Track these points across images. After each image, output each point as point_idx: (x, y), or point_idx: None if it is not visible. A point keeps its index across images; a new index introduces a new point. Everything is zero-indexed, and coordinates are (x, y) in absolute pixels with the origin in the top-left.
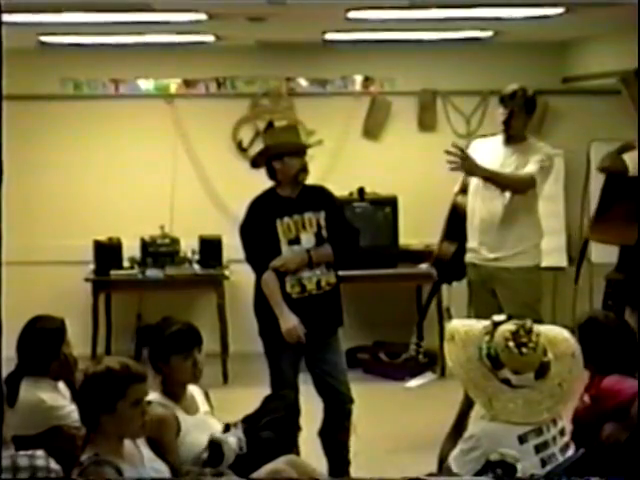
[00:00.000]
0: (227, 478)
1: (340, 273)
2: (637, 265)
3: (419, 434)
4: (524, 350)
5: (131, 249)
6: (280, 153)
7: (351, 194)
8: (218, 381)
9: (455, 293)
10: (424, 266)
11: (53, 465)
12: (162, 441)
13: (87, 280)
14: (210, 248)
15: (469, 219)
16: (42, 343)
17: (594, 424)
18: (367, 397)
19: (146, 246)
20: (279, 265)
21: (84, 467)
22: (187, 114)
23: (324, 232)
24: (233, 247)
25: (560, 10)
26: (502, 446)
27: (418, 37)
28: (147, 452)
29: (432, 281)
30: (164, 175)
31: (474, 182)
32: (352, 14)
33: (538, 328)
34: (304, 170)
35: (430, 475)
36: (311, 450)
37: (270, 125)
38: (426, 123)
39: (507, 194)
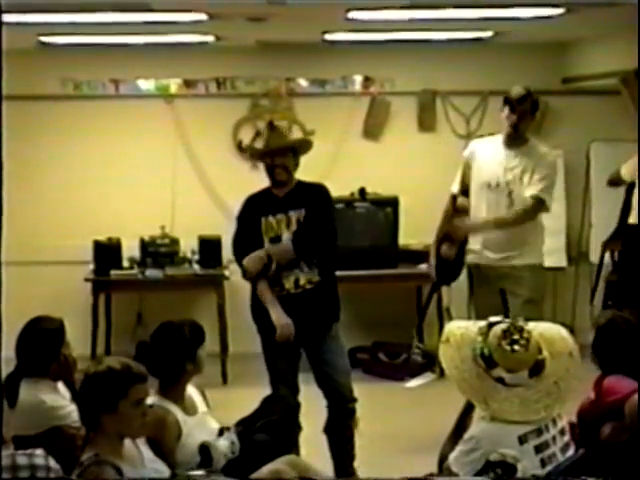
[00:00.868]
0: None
1: (340, 273)
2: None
3: (419, 434)
4: (516, 347)
5: (131, 249)
6: (253, 155)
7: (352, 194)
8: (217, 381)
9: (455, 293)
10: (424, 266)
11: (52, 464)
12: (163, 443)
13: (87, 280)
14: (210, 248)
15: (472, 220)
16: (42, 344)
17: (596, 421)
18: (367, 397)
19: (146, 246)
20: (245, 267)
21: (84, 467)
22: (187, 114)
23: (304, 230)
24: None
25: (560, 10)
26: (502, 447)
27: (418, 37)
28: (147, 452)
29: (430, 282)
30: (164, 175)
31: (477, 184)
32: (352, 14)
33: (535, 326)
34: (283, 168)
35: (430, 475)
36: (314, 449)
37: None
38: (426, 123)
39: (512, 196)
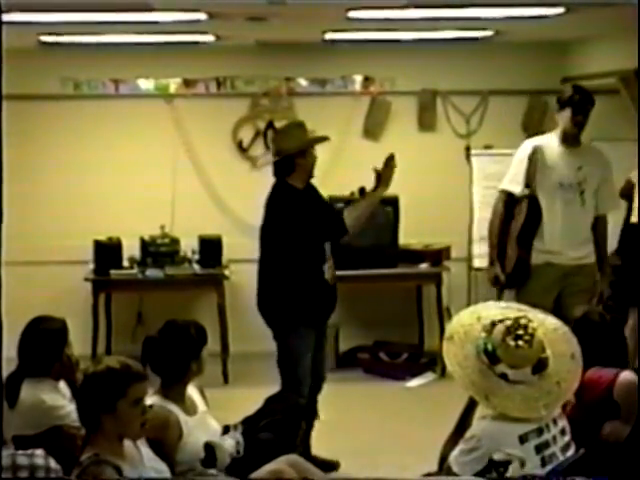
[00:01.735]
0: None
1: (340, 273)
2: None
3: (419, 434)
4: (520, 343)
5: (131, 249)
6: (303, 150)
7: (352, 194)
8: (218, 381)
9: (455, 293)
10: (424, 266)
11: (52, 464)
12: (164, 443)
13: (87, 280)
14: (210, 248)
15: (546, 221)
16: (44, 344)
17: (586, 421)
18: (367, 397)
19: (146, 246)
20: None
21: (84, 467)
22: (187, 114)
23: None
24: (233, 247)
25: (560, 10)
26: (503, 446)
27: (418, 37)
28: (147, 452)
29: (497, 286)
30: (164, 175)
31: (548, 184)
32: (352, 14)
33: (540, 324)
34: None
35: (429, 475)
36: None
37: (271, 125)
38: (426, 123)
39: (584, 196)
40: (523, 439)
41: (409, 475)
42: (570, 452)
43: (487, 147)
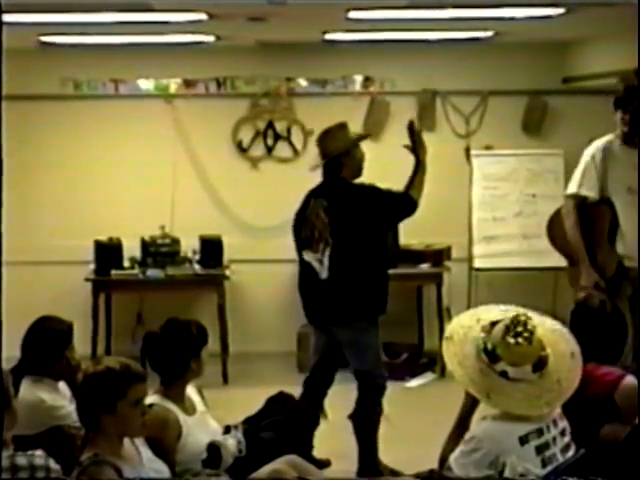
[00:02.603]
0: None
1: None
2: None
3: (419, 434)
4: (520, 340)
5: (131, 249)
6: (347, 150)
7: None
8: (218, 381)
9: (455, 293)
10: (425, 266)
11: (52, 465)
12: (163, 443)
13: (87, 280)
14: (210, 248)
15: (622, 225)
16: (46, 343)
17: (583, 417)
18: None
19: (146, 246)
20: None
21: (84, 467)
22: (187, 114)
23: None
24: (233, 247)
25: (560, 10)
26: (503, 447)
27: (418, 37)
28: (146, 452)
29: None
30: (164, 175)
31: (619, 188)
32: (352, 14)
33: (540, 323)
34: None
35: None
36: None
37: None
38: (426, 123)
39: None
40: (523, 440)
41: (409, 475)
42: (570, 453)
43: (487, 147)
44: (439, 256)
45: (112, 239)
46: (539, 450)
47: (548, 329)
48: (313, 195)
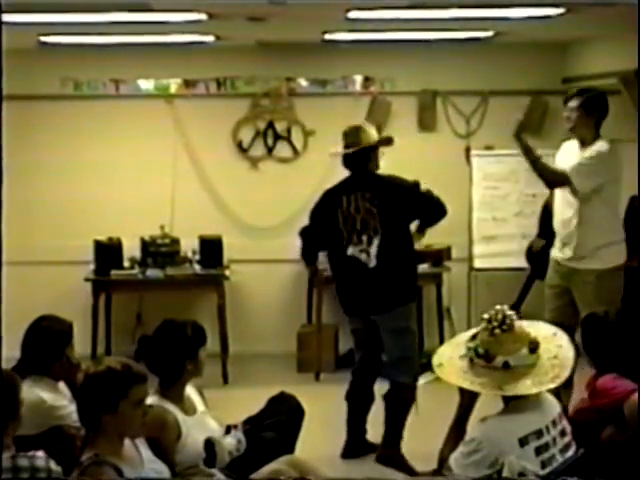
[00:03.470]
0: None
1: None
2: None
3: (419, 434)
4: (504, 327)
5: (131, 249)
6: (374, 146)
7: None
8: (218, 381)
9: (455, 293)
10: (424, 266)
11: (53, 466)
12: (162, 443)
13: (87, 280)
14: (210, 248)
15: (554, 216)
16: (44, 342)
17: (591, 423)
18: None
19: (146, 246)
20: None
21: (84, 467)
22: (187, 114)
23: None
24: (233, 247)
25: (560, 10)
26: (503, 449)
27: (418, 37)
28: (147, 453)
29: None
30: (164, 175)
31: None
32: (352, 14)
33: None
34: None
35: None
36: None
37: (271, 125)
38: (426, 123)
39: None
40: (523, 442)
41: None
42: (570, 453)
43: (487, 147)
44: (439, 256)
45: (112, 239)
46: (539, 451)
47: (525, 324)
48: (344, 192)
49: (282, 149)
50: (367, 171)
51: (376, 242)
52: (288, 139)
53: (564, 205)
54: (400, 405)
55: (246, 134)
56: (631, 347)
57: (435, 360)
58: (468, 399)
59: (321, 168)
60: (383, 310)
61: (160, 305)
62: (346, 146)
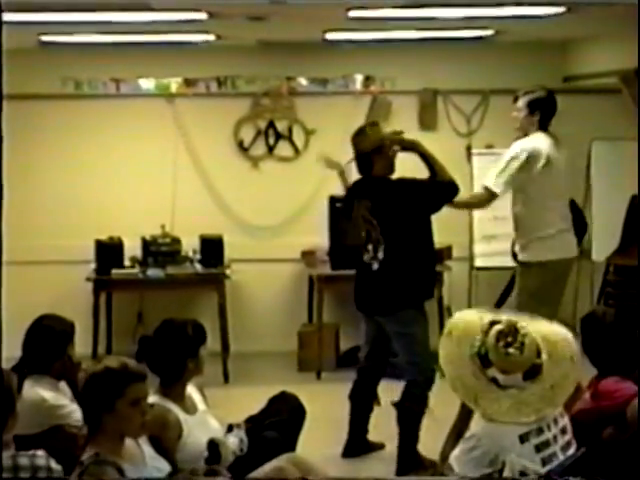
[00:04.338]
0: (221, 478)
1: (341, 272)
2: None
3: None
4: (510, 350)
5: (132, 248)
6: (379, 148)
7: None
8: (219, 380)
9: (456, 292)
10: None
11: (54, 465)
12: (164, 442)
13: (88, 279)
14: (211, 247)
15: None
16: (48, 341)
17: (592, 424)
18: None
19: (147, 245)
20: None
21: (85, 467)
22: (188, 113)
23: None
24: (234, 246)
25: (561, 9)
26: (503, 446)
27: (419, 36)
28: (149, 450)
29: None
30: (165, 174)
31: None
32: (353, 13)
33: (539, 327)
34: None
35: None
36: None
37: (271, 124)
38: (427, 122)
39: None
40: (523, 439)
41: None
42: (571, 451)
43: (488, 146)
44: (439, 255)
45: (113, 238)
46: (539, 449)
47: (550, 332)
48: (355, 196)
49: (283, 148)
50: (371, 177)
51: (381, 250)
52: (289, 138)
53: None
54: (410, 416)
55: (247, 133)
56: (631, 347)
57: (448, 325)
58: None
59: (322, 167)
60: (384, 312)
61: (161, 304)
62: (355, 152)
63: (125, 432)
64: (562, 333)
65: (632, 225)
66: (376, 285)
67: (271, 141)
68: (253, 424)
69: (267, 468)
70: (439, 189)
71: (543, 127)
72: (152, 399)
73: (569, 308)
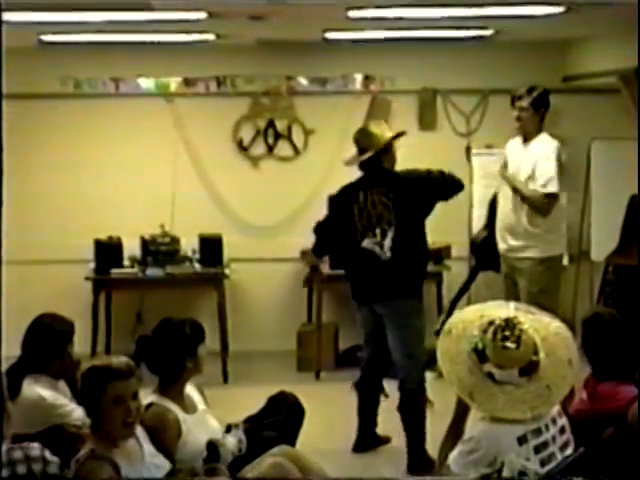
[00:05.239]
0: (221, 478)
1: (341, 272)
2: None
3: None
4: (507, 344)
5: (131, 248)
6: (385, 147)
7: None
8: (218, 380)
9: (454, 292)
10: None
11: (49, 456)
12: (163, 441)
13: (87, 279)
14: (210, 247)
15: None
16: (48, 340)
17: (591, 425)
18: None
19: (146, 245)
20: None
21: (80, 463)
22: (187, 113)
23: None
24: (233, 246)
25: (561, 9)
26: (502, 448)
27: (418, 36)
28: (149, 447)
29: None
30: (164, 174)
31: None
32: (352, 13)
33: (545, 327)
34: None
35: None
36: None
37: (271, 124)
38: (426, 122)
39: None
40: (522, 440)
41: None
42: (569, 450)
43: (487, 146)
44: (439, 255)
45: (112, 238)
46: (537, 450)
47: (550, 332)
48: (361, 188)
49: (282, 148)
50: (382, 169)
51: (390, 235)
52: (288, 138)
53: (505, 197)
54: (415, 413)
55: (246, 133)
56: (631, 349)
57: (448, 324)
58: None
59: (322, 167)
60: (386, 297)
61: (160, 304)
62: (360, 151)
63: (108, 430)
64: (564, 334)
65: (631, 225)
66: (384, 273)
67: (270, 141)
68: (252, 424)
69: (265, 463)
70: (450, 182)
71: (542, 123)
72: (151, 398)
73: (569, 308)
